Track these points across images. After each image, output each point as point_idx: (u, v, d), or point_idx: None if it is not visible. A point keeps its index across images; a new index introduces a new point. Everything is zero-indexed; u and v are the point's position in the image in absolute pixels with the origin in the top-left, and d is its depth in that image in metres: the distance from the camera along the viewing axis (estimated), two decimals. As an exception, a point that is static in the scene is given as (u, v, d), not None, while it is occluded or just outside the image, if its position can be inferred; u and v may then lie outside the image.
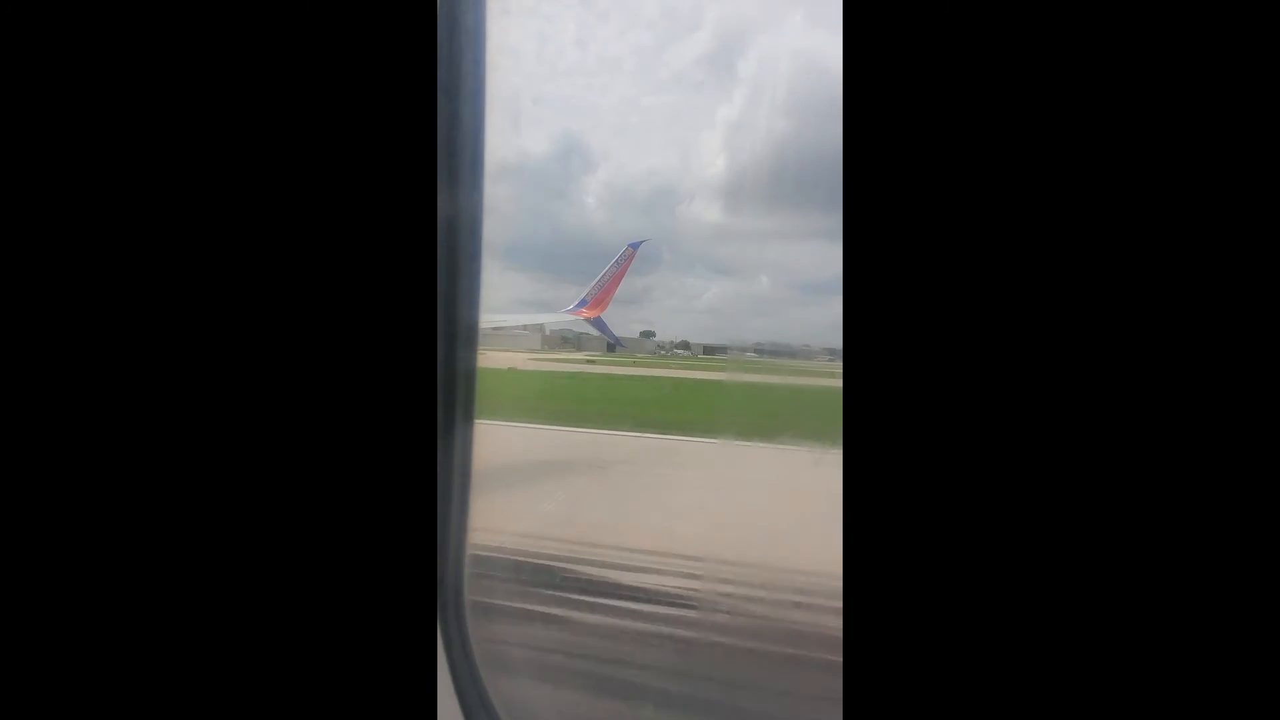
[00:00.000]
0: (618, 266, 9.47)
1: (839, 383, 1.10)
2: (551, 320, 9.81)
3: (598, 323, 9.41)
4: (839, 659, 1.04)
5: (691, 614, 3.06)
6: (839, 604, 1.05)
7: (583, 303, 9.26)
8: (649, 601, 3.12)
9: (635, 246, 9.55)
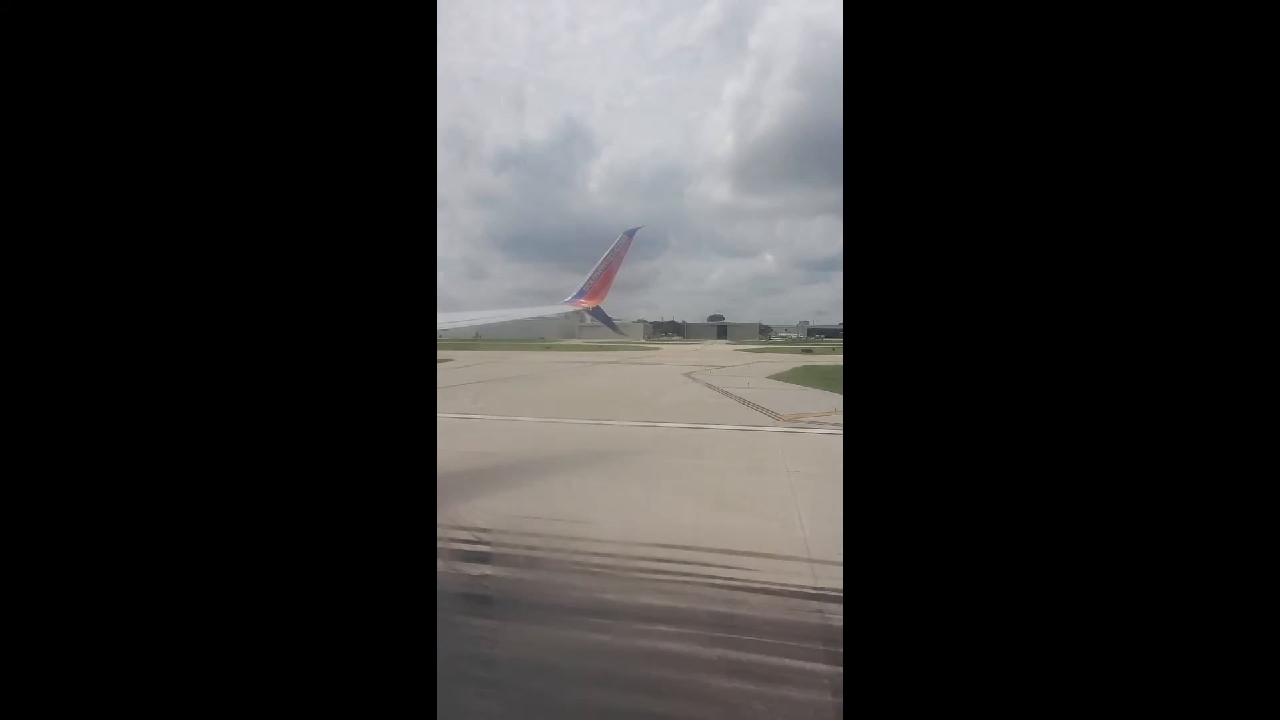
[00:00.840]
0: (615, 254, 9.42)
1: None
2: (550, 312, 9.79)
3: (597, 312, 9.38)
4: None
5: None
6: None
7: (581, 293, 9.23)
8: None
9: (631, 234, 9.49)
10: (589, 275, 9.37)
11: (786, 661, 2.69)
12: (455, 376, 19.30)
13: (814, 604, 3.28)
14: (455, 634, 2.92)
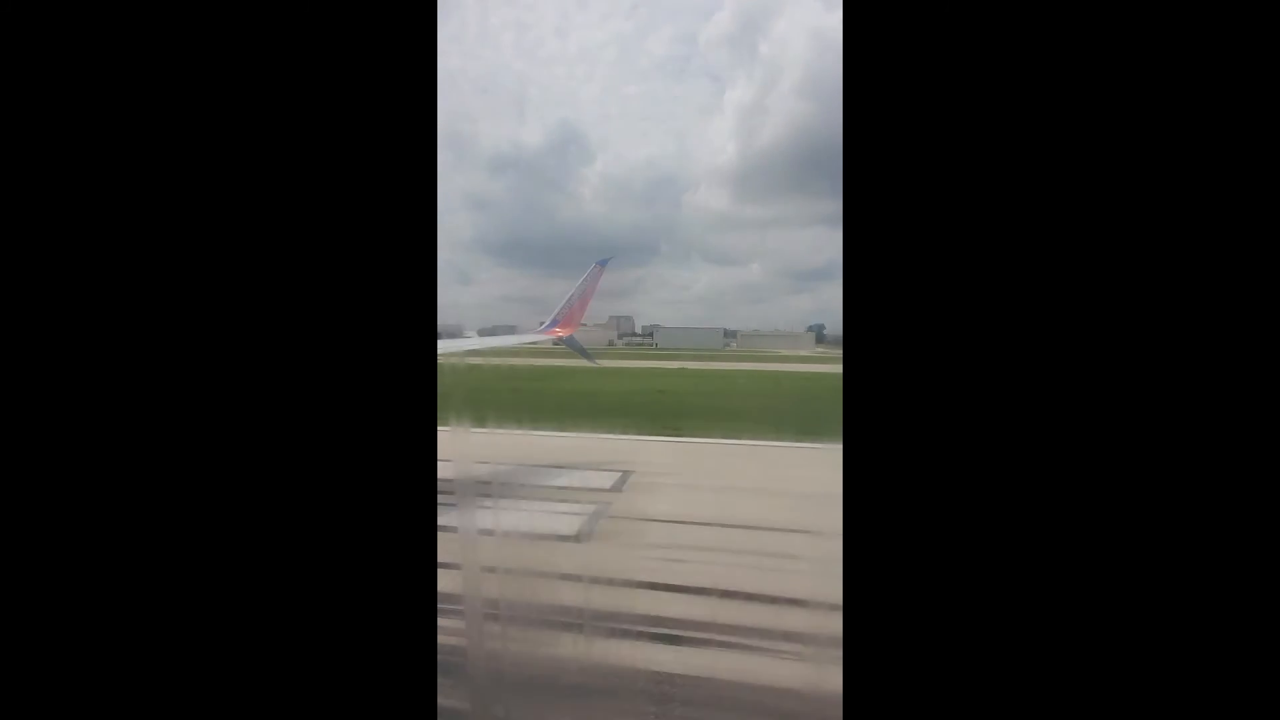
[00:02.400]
0: (586, 284, 9.58)
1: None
2: (523, 341, 9.82)
3: (570, 341, 9.46)
4: None
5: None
6: None
7: (555, 321, 9.32)
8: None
9: (603, 264, 9.69)
10: (561, 304, 9.49)
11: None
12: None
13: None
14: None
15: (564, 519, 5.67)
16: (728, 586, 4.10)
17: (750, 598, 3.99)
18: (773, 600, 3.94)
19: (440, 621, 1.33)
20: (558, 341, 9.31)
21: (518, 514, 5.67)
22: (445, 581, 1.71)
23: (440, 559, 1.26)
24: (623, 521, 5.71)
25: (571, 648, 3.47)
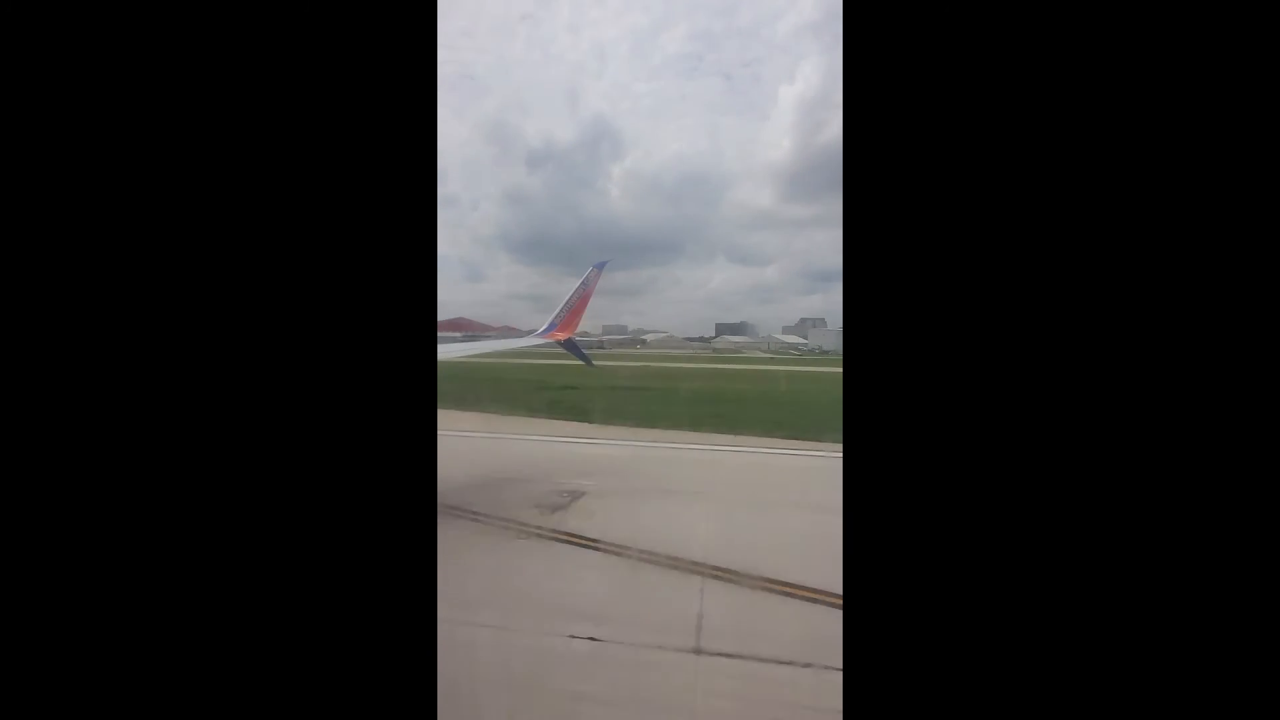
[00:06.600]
0: (584, 288, 9.58)
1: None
2: (522, 345, 9.81)
3: (569, 344, 9.47)
4: None
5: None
6: None
7: (553, 325, 9.32)
8: None
9: (600, 266, 9.69)
10: (559, 308, 9.49)
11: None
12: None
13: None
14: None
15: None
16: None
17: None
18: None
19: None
20: (561, 344, 9.31)
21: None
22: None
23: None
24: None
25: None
